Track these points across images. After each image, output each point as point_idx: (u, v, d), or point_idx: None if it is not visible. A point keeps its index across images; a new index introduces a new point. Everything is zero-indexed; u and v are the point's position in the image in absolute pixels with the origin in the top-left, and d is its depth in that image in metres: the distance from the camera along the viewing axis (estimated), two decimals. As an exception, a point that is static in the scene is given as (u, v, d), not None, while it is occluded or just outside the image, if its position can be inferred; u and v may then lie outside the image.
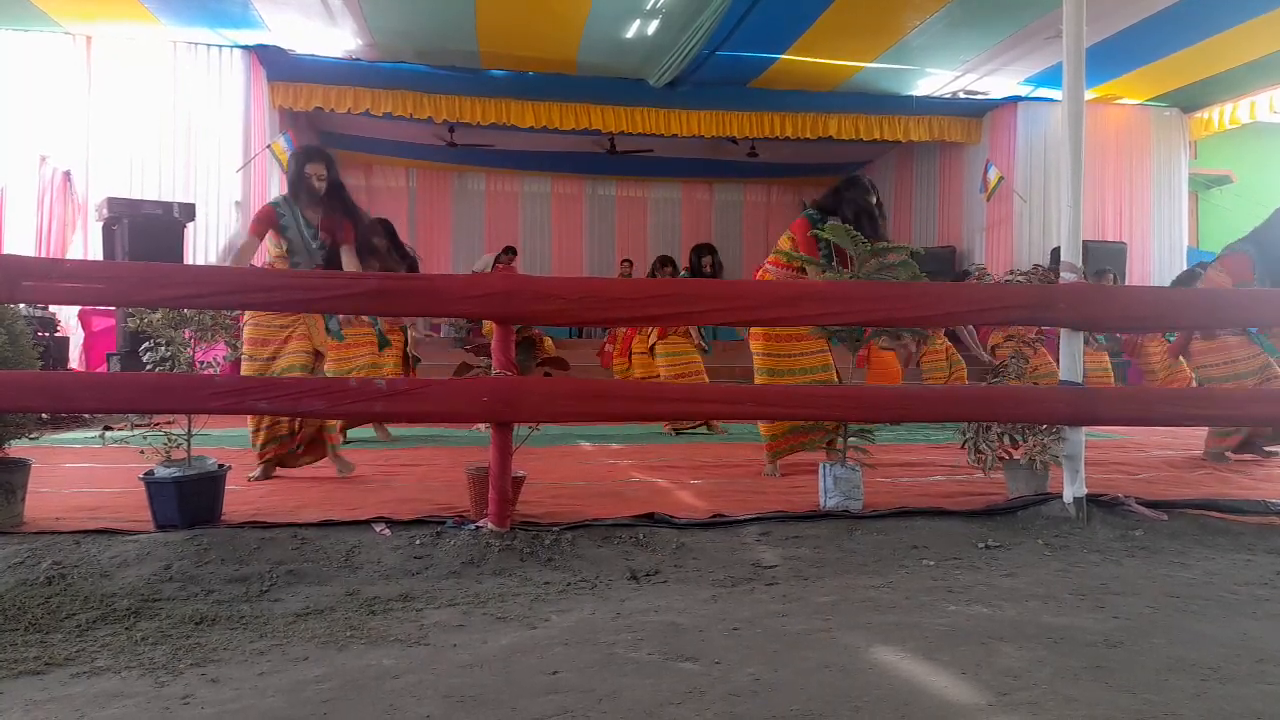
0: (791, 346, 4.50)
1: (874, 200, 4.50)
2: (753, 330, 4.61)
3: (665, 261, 7.91)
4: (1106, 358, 8.15)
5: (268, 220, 4.33)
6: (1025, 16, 8.86)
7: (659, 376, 7.03)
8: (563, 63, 10.50)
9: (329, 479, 4.29)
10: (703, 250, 7.22)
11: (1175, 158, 12.06)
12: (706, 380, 7.05)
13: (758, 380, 4.57)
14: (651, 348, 7.12)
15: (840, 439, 3.80)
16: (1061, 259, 3.68)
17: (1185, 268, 8.33)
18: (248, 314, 4.17)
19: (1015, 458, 3.74)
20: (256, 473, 4.26)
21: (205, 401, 3.02)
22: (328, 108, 10.71)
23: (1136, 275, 11.46)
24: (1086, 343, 7.57)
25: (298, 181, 4.33)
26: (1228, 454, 5.32)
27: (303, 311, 4.08)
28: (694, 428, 7.13)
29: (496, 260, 12.15)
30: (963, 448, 3.78)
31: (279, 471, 4.37)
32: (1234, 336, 5.24)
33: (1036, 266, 4.37)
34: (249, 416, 4.16)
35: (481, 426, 6.54)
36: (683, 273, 7.67)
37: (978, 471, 3.79)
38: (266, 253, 4.51)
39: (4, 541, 2.76)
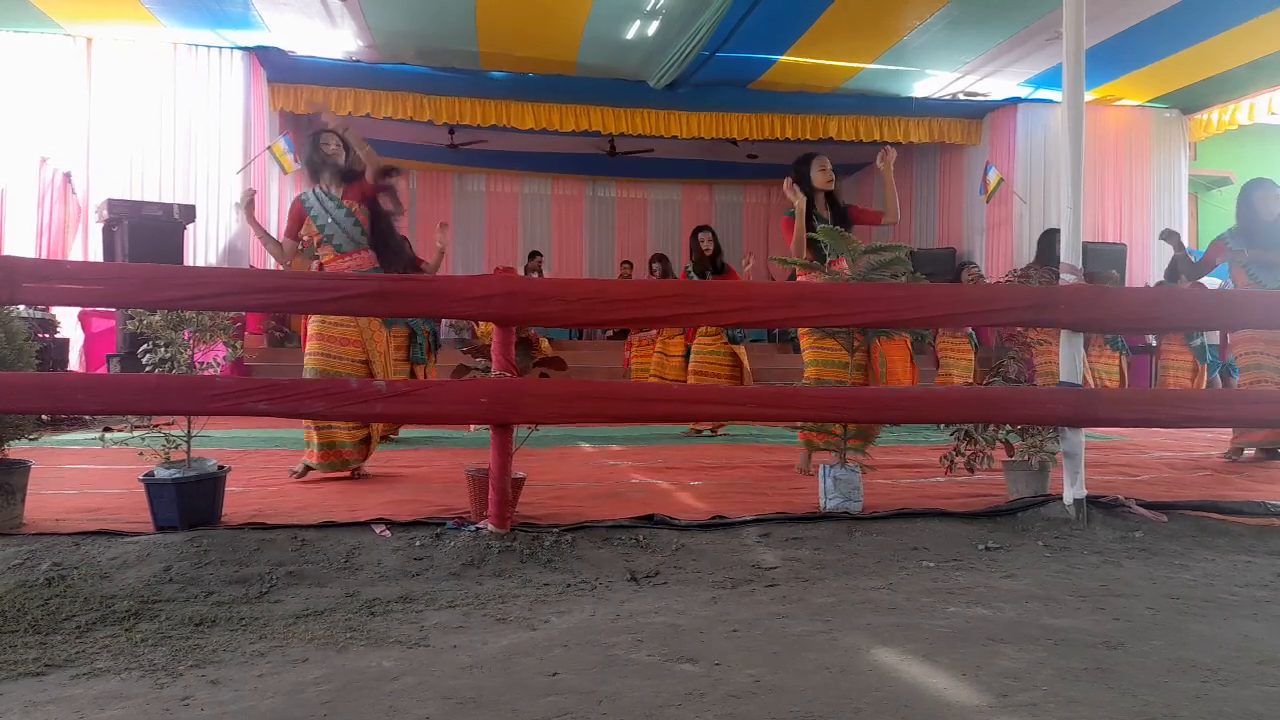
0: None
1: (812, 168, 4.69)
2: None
3: (659, 259, 8.22)
4: (1120, 358, 8.16)
5: (298, 216, 4.39)
6: (1025, 18, 8.86)
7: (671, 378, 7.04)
8: (563, 64, 10.50)
9: (329, 480, 4.29)
10: (700, 230, 7.20)
11: (1175, 159, 12.06)
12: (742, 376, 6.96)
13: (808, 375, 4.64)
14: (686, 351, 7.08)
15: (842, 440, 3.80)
16: (1061, 260, 3.68)
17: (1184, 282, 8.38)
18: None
19: (1012, 459, 3.75)
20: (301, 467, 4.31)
21: (205, 403, 3.02)
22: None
23: (1136, 276, 11.46)
24: (1090, 344, 7.60)
25: (317, 159, 4.35)
26: (1246, 451, 5.29)
27: (308, 313, 4.09)
28: (720, 429, 7.10)
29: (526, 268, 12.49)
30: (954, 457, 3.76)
31: (280, 473, 4.37)
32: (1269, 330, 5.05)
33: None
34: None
35: (471, 428, 6.58)
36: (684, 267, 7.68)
37: (978, 472, 3.79)
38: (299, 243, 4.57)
39: (4, 543, 2.76)
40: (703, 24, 8.80)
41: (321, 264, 4.38)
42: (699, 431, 7.04)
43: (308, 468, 4.27)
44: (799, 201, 4.54)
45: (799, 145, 12.02)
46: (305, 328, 4.36)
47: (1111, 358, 8.07)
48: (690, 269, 7.08)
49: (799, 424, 4.45)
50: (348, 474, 4.33)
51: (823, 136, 11.64)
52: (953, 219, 13.10)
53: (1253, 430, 5.23)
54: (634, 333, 8.49)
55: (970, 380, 8.10)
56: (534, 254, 13.64)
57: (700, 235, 7.02)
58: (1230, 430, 5.45)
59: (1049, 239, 7.13)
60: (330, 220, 4.29)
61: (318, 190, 4.35)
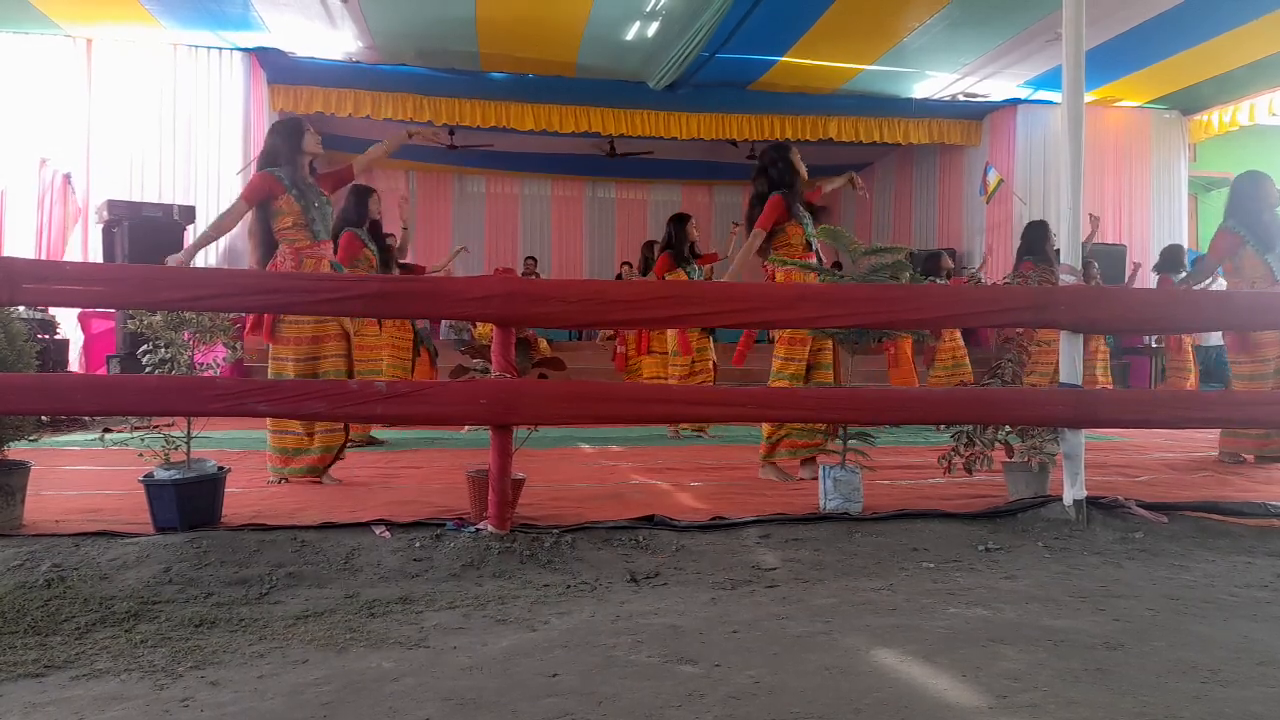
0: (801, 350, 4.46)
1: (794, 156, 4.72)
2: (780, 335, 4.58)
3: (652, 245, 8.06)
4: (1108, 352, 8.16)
5: (268, 188, 4.09)
6: (1025, 19, 8.86)
7: (660, 377, 7.03)
8: (563, 65, 10.51)
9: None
10: (688, 217, 7.20)
11: (1175, 160, 12.06)
12: (711, 377, 6.96)
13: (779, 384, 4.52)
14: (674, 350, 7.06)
15: (840, 441, 3.80)
16: (1061, 261, 3.68)
17: (1185, 271, 8.34)
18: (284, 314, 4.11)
19: (1012, 460, 3.75)
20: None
21: (205, 404, 3.02)
22: (328, 111, 10.71)
23: (1136, 277, 11.46)
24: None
25: (299, 150, 4.19)
26: (1243, 455, 5.27)
27: (305, 314, 4.06)
28: (696, 430, 7.10)
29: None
30: (952, 457, 3.76)
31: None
32: (1270, 333, 4.97)
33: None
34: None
35: (466, 428, 6.59)
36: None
37: (978, 473, 3.79)
38: (271, 225, 4.22)
39: (3, 544, 2.76)
40: (703, 25, 8.80)
41: (298, 250, 4.11)
42: (679, 434, 7.01)
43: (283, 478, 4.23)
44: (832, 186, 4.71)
45: (799, 146, 12.03)
46: (267, 329, 4.14)
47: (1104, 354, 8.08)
48: (673, 255, 6.97)
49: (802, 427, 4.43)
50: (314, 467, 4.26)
51: (823, 137, 11.65)
52: (952, 220, 13.10)
53: (1238, 436, 5.22)
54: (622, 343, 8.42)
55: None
56: (529, 259, 13.92)
57: (689, 224, 7.03)
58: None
59: (1036, 231, 7.15)
60: (315, 205, 4.18)
61: (295, 175, 4.17)
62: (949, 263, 9.19)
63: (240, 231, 10.48)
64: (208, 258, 9.64)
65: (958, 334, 8.31)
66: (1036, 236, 7.10)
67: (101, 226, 8.38)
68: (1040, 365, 5.98)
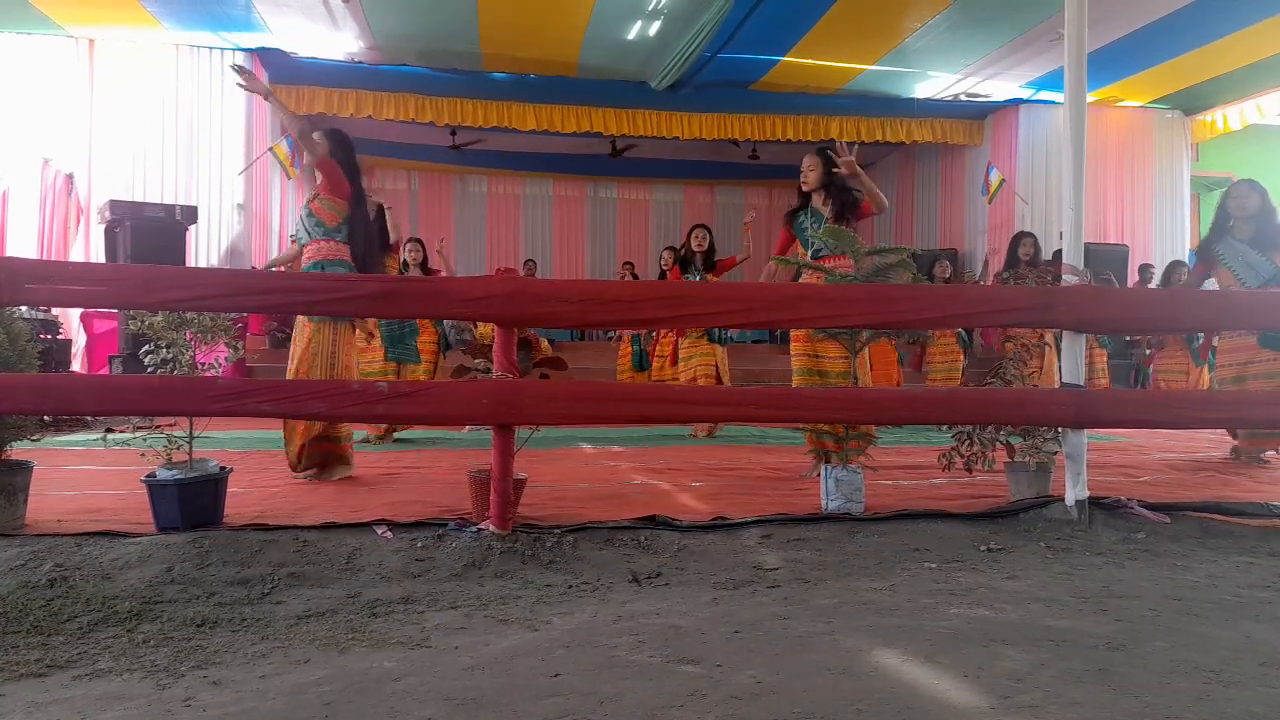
0: (827, 348, 4.45)
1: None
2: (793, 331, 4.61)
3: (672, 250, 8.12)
4: (1105, 356, 8.15)
5: None
6: (1026, 21, 8.87)
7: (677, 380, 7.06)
8: (564, 65, 10.52)
9: (330, 481, 4.29)
10: (696, 227, 7.28)
11: (1177, 160, 12.06)
12: (720, 375, 6.93)
13: (795, 381, 4.54)
14: (674, 354, 7.10)
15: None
16: (1063, 261, 3.68)
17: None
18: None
19: (1014, 460, 3.75)
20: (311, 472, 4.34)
21: (206, 404, 3.02)
22: (329, 111, 10.72)
23: (1138, 277, 11.46)
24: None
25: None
26: (1262, 455, 5.25)
27: (309, 314, 4.08)
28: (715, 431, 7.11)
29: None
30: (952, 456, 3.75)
31: (282, 474, 4.38)
32: (1251, 337, 5.02)
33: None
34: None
35: (467, 429, 6.61)
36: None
37: (979, 474, 3.78)
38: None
39: (6, 544, 2.76)
40: (704, 25, 8.81)
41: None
42: (696, 434, 7.02)
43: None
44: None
45: (801, 146, 12.04)
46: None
47: (1099, 354, 8.07)
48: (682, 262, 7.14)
49: (806, 428, 4.42)
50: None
51: (824, 137, 11.65)
52: (954, 220, 13.10)
53: (1258, 436, 5.21)
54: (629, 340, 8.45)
55: (961, 383, 8.10)
56: (528, 262, 14.08)
57: (696, 232, 7.10)
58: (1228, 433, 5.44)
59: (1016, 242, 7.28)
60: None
61: None
62: (945, 268, 9.19)
63: (242, 231, 10.53)
64: (209, 258, 9.68)
65: (954, 340, 8.30)
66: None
67: (104, 227, 8.40)
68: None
